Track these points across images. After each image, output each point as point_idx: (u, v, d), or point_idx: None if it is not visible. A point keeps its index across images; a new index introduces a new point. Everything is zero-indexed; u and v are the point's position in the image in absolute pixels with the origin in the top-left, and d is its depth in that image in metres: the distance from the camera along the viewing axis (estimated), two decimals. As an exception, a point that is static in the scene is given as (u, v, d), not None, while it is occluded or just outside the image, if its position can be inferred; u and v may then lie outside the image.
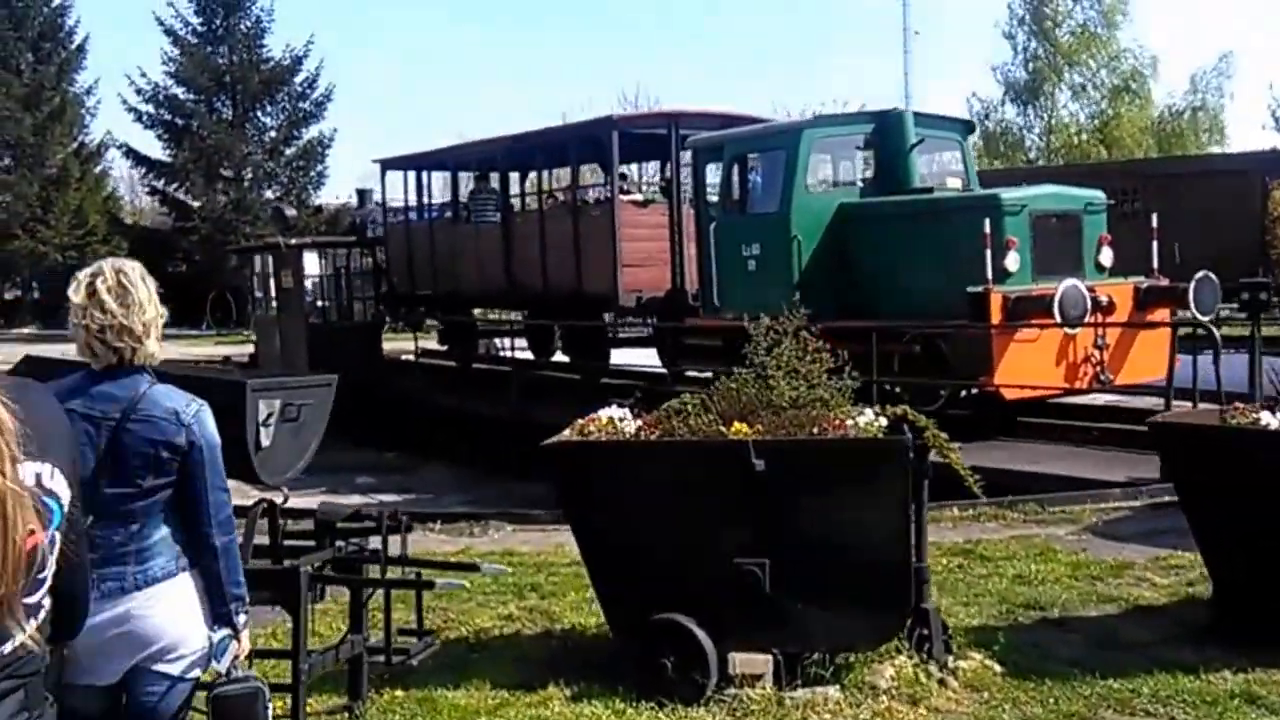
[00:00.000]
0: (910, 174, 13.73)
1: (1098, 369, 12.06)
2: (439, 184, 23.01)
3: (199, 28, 39.90)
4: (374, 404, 20.39)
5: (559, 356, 20.69)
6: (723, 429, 5.51)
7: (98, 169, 44.03)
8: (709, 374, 16.56)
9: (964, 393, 12.87)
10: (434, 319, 23.12)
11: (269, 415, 7.09)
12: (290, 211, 24.34)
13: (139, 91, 39.61)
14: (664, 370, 18.25)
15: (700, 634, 5.38)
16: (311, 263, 30.68)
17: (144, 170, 41.57)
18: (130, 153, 41.02)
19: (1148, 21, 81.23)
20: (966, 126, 15.12)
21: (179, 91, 40.07)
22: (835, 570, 5.39)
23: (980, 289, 11.63)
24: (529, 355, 20.72)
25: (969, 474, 6.00)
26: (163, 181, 41.25)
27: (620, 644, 5.89)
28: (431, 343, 23.11)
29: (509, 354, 21.39)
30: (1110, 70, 42.69)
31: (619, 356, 19.37)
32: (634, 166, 21.29)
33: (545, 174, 21.25)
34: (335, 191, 43.65)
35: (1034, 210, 12.16)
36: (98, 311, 3.34)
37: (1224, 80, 41.36)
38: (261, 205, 39.17)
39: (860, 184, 14.25)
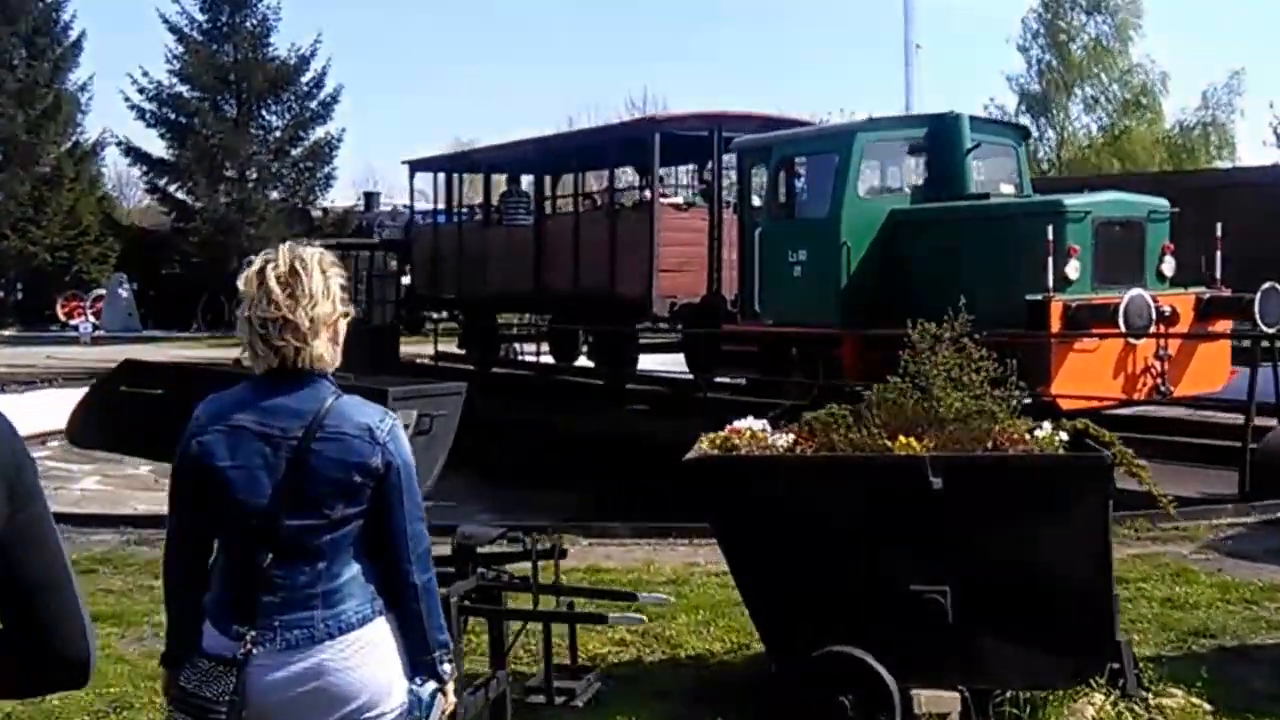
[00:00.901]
0: (965, 180, 13.76)
1: (1157, 380, 12.06)
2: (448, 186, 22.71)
3: (204, 24, 39.90)
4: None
5: (581, 361, 20.56)
6: (888, 443, 5.19)
7: (92, 169, 44.00)
8: (742, 380, 16.80)
9: (1017, 403, 12.75)
10: (455, 323, 22.91)
11: (405, 427, 6.84)
12: (315, 212, 24.04)
13: (141, 90, 39.68)
14: (690, 376, 18.32)
15: (881, 670, 4.99)
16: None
17: (144, 169, 41.52)
18: (130, 150, 41.00)
19: (1160, 37, 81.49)
20: (1022, 132, 15.19)
21: (183, 89, 40.11)
22: (1027, 600, 5.02)
23: (1040, 297, 11.63)
24: (549, 360, 20.57)
25: (1163, 494, 5.69)
26: (164, 180, 41.18)
27: (774, 676, 5.53)
28: (450, 346, 22.99)
29: (530, 359, 21.29)
30: (1122, 84, 43.05)
31: (643, 362, 19.25)
32: (667, 169, 21.12)
33: (577, 177, 21.01)
34: (334, 194, 43.62)
35: (1097, 217, 12.22)
36: (264, 303, 2.89)
37: (1235, 97, 41.67)
38: (266, 206, 39.07)
39: (911, 189, 14.25)
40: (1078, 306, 11.89)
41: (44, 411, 20.24)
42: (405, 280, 23.79)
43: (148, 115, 39.72)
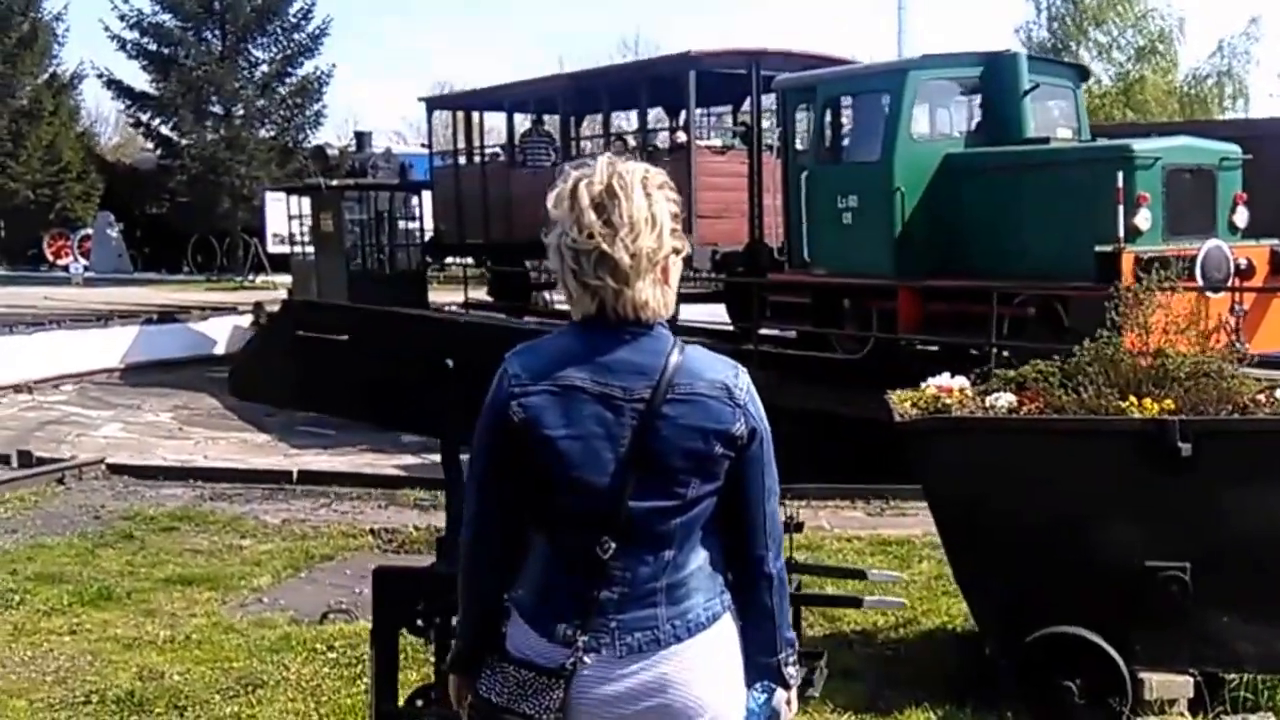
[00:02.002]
0: (1023, 123, 13.49)
1: (1232, 337, 11.82)
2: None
3: (187, -52, 38.66)
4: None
5: None
6: (1120, 404, 4.88)
7: (71, 102, 43.24)
8: (792, 333, 16.57)
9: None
10: (483, 268, 22.77)
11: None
12: (332, 150, 23.59)
13: (122, 17, 38.73)
14: (731, 327, 18.07)
15: (1113, 652, 4.80)
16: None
17: (127, 103, 40.60)
18: (112, 83, 40.01)
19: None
20: (1081, 73, 14.90)
21: (165, 18, 39.14)
22: (1274, 578, 4.78)
23: (1110, 248, 11.43)
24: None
25: None
26: (148, 115, 40.28)
27: (989, 658, 5.32)
28: (479, 294, 22.83)
29: (563, 307, 20.91)
30: (1136, 30, 42.25)
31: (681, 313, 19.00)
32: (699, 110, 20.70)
33: (606, 117, 20.67)
34: (324, 133, 42.48)
35: (1168, 164, 11.98)
36: (574, 230, 2.45)
37: (1251, 44, 41.08)
38: (256, 144, 38.50)
39: (964, 133, 14.02)
40: (1150, 258, 11.62)
41: (54, 353, 21.02)
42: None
43: (129, 45, 38.86)
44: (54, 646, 6.38)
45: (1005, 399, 5.17)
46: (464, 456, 2.83)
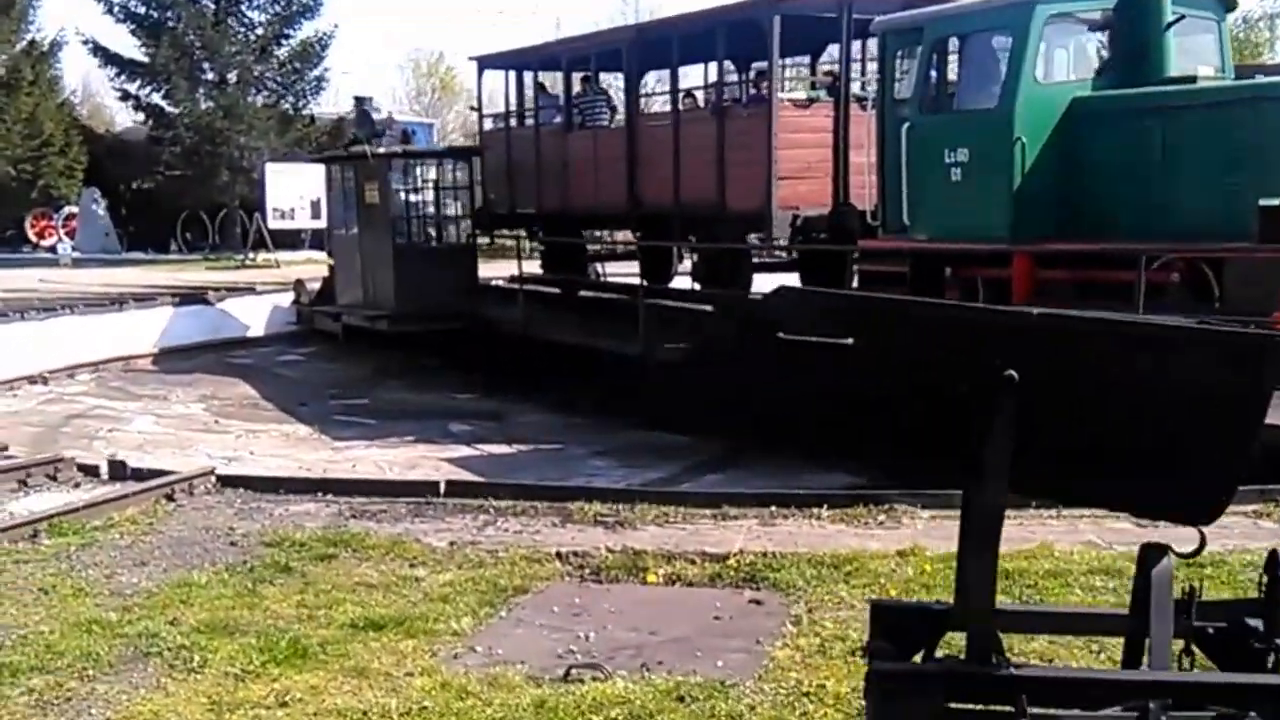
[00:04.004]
0: (1164, 61, 12.48)
1: None
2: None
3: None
4: (468, 337, 19.59)
5: (678, 283, 19.16)
6: None
7: (50, 71, 41.69)
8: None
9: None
10: (535, 240, 22.00)
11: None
12: (377, 114, 22.44)
13: (107, -23, 37.86)
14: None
15: None
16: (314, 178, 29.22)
17: (115, 70, 39.30)
18: (99, 50, 38.83)
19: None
20: (1225, 3, 13.20)
21: (154, -23, 38.35)
22: None
23: (1277, 202, 10.48)
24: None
25: None
26: (136, 84, 39.16)
27: None
28: (531, 266, 22.18)
29: (617, 280, 19.82)
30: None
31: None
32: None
33: (673, 72, 19.31)
34: (325, 100, 41.80)
35: (1354, 104, 10.67)
36: None
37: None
38: (254, 112, 37.51)
39: (1094, 74, 12.93)
40: (1326, 214, 10.22)
41: (66, 341, 20.16)
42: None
43: (115, 9, 37.90)
44: (270, 727, 5.86)
45: None
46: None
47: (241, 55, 37.93)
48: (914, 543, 7.75)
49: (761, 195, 15.68)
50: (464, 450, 14.77)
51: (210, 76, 38.11)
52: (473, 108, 22.32)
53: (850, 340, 3.98)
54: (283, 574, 7.65)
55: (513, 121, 21.68)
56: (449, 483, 10.00)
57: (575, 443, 15.16)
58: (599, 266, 22.50)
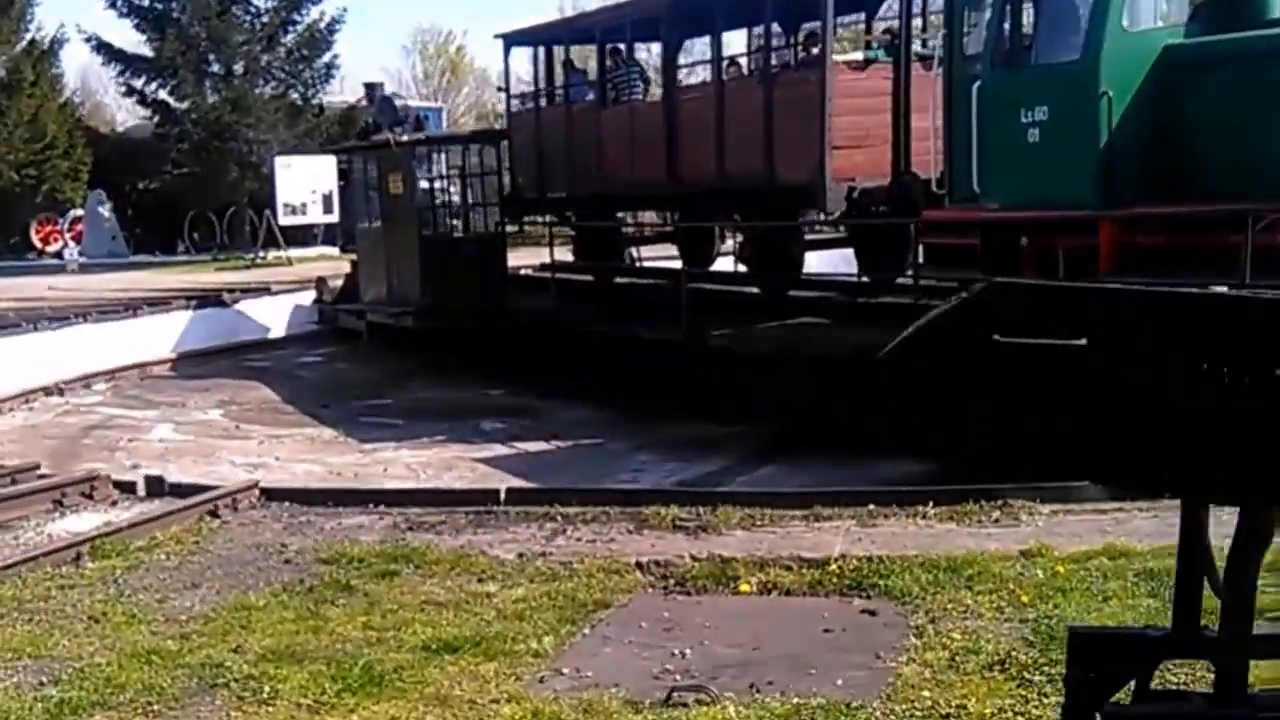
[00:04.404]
0: (1267, 0, 11.55)
1: None
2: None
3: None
4: (496, 329, 18.88)
5: (720, 265, 18.38)
6: None
7: (52, 70, 40.67)
8: (951, 282, 14.25)
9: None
10: (568, 226, 21.48)
11: None
12: (400, 101, 21.63)
13: (108, -28, 37.13)
14: (863, 279, 16.00)
15: None
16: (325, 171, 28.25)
17: (120, 67, 38.19)
18: (102, 46, 37.80)
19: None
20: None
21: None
22: None
23: None
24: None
25: None
26: (142, 80, 38.05)
27: None
28: (562, 254, 21.49)
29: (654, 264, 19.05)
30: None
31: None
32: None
33: (714, 40, 18.49)
34: (336, 87, 41.08)
35: None
36: None
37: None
38: (263, 104, 36.60)
39: (1187, 19, 12.07)
40: None
41: (80, 349, 19.70)
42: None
43: (119, 3, 36.81)
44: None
45: None
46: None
47: (248, 45, 37.04)
48: (1038, 541, 7.11)
49: (814, 166, 14.82)
50: (499, 449, 14.24)
51: (216, 69, 37.24)
52: (500, 88, 21.58)
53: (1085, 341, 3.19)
54: (344, 593, 7.26)
55: (542, 101, 20.95)
56: (510, 490, 9.44)
57: (615, 438, 14.53)
58: (633, 251, 21.65)
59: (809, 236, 17.40)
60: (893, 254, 16.01)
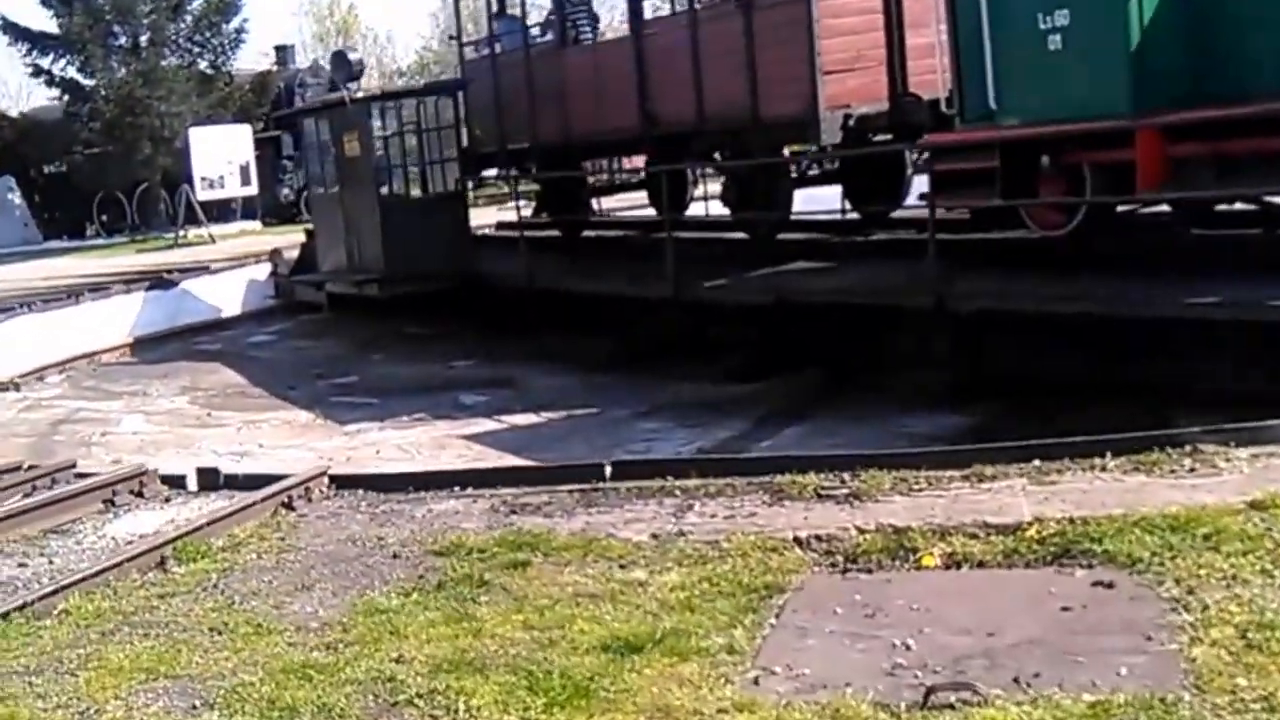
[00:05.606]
0: None
1: None
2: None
3: None
4: (461, 296, 18.20)
5: (695, 210, 17.60)
6: None
7: None
8: (964, 212, 13.63)
9: None
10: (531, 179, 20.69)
11: None
12: (354, 55, 20.52)
13: (1, -57, 35.43)
14: (856, 215, 15.41)
15: None
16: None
17: (27, 46, 36.14)
18: (8, 27, 35.83)
19: None
20: None
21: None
22: None
23: None
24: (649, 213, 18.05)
25: None
26: (50, 58, 36.19)
27: None
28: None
29: (630, 214, 18.35)
30: None
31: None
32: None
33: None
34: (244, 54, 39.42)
35: None
36: None
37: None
38: (175, 75, 34.88)
39: None
40: None
41: (28, 340, 18.99)
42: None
43: None
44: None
45: None
46: None
47: (154, 14, 35.32)
48: (1262, 490, 6.22)
49: (805, 96, 13.91)
50: (488, 424, 13.45)
51: (123, 42, 35.48)
52: (452, 37, 20.54)
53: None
54: (480, 588, 6.64)
55: (497, 47, 19.89)
56: (615, 464, 8.71)
57: (610, 405, 13.72)
58: (595, 203, 20.84)
59: (803, 173, 16.74)
60: (887, 185, 15.38)
